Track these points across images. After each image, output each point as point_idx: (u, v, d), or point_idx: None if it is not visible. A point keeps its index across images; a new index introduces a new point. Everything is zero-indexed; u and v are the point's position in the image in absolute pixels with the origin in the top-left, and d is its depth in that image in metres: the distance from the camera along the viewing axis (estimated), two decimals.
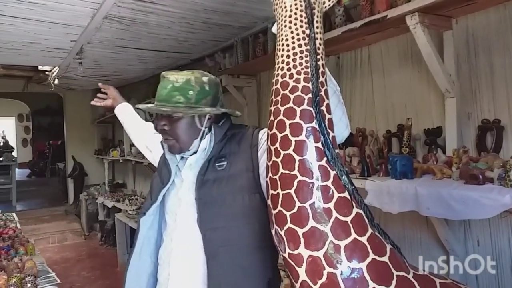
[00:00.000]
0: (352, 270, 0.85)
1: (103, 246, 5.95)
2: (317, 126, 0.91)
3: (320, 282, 0.86)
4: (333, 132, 0.95)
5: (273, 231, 0.95)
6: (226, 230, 1.25)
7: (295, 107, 0.93)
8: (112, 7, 2.49)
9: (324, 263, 0.86)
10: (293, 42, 0.96)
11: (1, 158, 9.16)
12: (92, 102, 1.78)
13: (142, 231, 1.39)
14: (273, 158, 0.94)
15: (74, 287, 4.40)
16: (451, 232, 1.84)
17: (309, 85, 0.93)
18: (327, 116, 0.95)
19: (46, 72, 5.06)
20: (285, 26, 0.98)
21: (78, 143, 7.45)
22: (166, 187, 1.37)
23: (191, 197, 1.31)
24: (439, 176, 1.67)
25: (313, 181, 0.89)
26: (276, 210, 0.92)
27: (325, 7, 1.03)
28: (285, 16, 0.98)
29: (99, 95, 1.80)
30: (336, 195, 0.89)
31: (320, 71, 0.95)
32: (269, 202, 0.96)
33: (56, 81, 4.78)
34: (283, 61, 0.97)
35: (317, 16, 0.99)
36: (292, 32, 0.97)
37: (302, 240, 0.88)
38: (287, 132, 0.92)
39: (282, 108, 0.94)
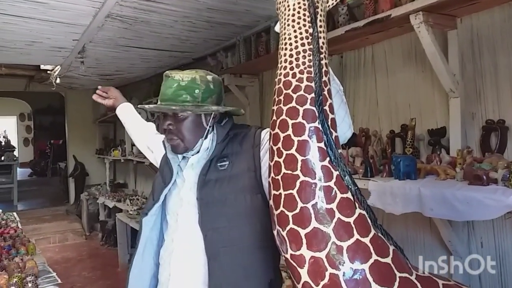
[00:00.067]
0: (354, 271, 0.85)
1: (104, 246, 5.96)
2: (320, 126, 0.91)
3: (322, 283, 0.86)
4: (336, 132, 0.94)
5: (275, 232, 0.95)
6: (228, 230, 1.25)
7: (298, 106, 0.92)
8: (114, 6, 2.49)
9: (326, 264, 0.86)
10: (296, 41, 0.96)
11: (3, 158, 9.17)
12: (94, 97, 1.77)
13: (144, 232, 1.38)
14: (276, 158, 0.94)
15: (75, 287, 4.40)
16: (455, 233, 1.83)
17: (312, 84, 0.93)
18: (330, 115, 0.94)
19: (48, 71, 5.07)
20: (288, 25, 0.98)
21: (80, 142, 7.46)
22: (168, 187, 1.37)
23: (192, 197, 1.30)
24: (442, 176, 1.65)
25: (315, 181, 0.89)
26: (278, 211, 0.92)
27: (329, 6, 1.03)
28: (288, 15, 0.98)
29: (98, 91, 1.77)
30: (339, 195, 0.89)
31: (323, 70, 0.95)
32: (271, 202, 0.95)
33: (58, 80, 4.79)
34: (286, 60, 0.96)
35: (321, 15, 0.98)
36: (295, 31, 0.96)
37: (304, 241, 0.88)
38: (290, 132, 0.92)
39: (284, 108, 0.93)
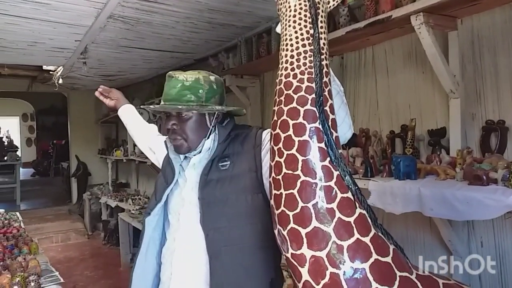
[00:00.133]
0: (355, 270, 0.85)
1: (106, 246, 5.97)
2: (320, 126, 0.91)
3: (323, 282, 0.86)
4: (336, 132, 0.95)
5: (276, 231, 0.95)
6: (229, 230, 1.25)
7: (298, 107, 0.93)
8: (116, 6, 2.51)
9: (327, 263, 0.86)
10: (297, 42, 0.96)
11: (6, 158, 9.20)
12: (96, 93, 1.78)
13: (147, 232, 1.39)
14: (276, 158, 0.94)
15: (78, 287, 4.41)
16: (455, 233, 1.83)
17: (313, 85, 0.93)
18: (331, 116, 0.95)
19: (51, 72, 5.09)
20: (289, 26, 0.98)
21: (82, 143, 7.47)
22: (170, 187, 1.37)
23: (194, 196, 1.31)
24: (442, 176, 1.66)
25: (316, 181, 0.89)
26: (279, 210, 0.92)
27: (330, 7, 1.03)
28: (289, 16, 0.98)
29: (100, 90, 1.78)
30: (339, 195, 0.89)
31: (324, 71, 0.95)
32: (272, 202, 0.96)
33: (61, 81, 4.81)
34: (287, 61, 0.97)
35: (321, 16, 0.99)
36: (296, 32, 0.97)
37: (305, 240, 0.88)
38: (291, 132, 0.92)
39: (285, 108, 0.94)
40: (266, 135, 1.28)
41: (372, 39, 2.21)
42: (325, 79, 0.95)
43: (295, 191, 0.90)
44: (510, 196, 1.33)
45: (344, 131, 1.08)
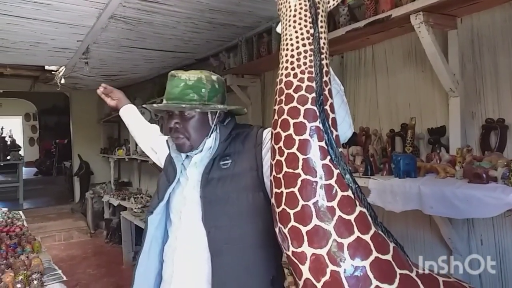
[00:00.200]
0: (355, 268, 0.86)
1: (109, 244, 5.99)
2: (320, 125, 0.92)
3: (323, 280, 0.86)
4: (336, 131, 0.95)
5: (276, 229, 0.96)
6: (230, 228, 1.26)
7: (299, 106, 0.93)
8: (117, 7, 2.51)
9: (327, 261, 0.86)
10: (297, 42, 0.97)
11: (9, 157, 9.21)
12: (98, 92, 1.78)
13: (150, 230, 1.40)
14: (277, 157, 0.95)
15: (80, 285, 4.43)
16: (455, 231, 1.84)
17: (313, 84, 0.94)
18: (331, 115, 0.95)
19: (53, 72, 5.10)
20: (290, 25, 0.98)
21: (84, 142, 7.49)
22: (172, 186, 1.38)
23: (196, 195, 1.32)
24: (442, 175, 1.67)
25: (316, 179, 0.89)
26: (280, 209, 0.93)
27: (330, 6, 1.04)
28: (290, 16, 0.99)
29: (102, 89, 1.78)
30: (340, 193, 0.89)
31: (324, 70, 0.96)
32: (273, 200, 0.96)
33: (63, 81, 4.82)
34: (287, 61, 0.97)
35: (322, 16, 0.99)
36: (296, 32, 0.97)
37: (305, 238, 0.88)
38: (291, 131, 0.93)
39: (286, 107, 0.95)
40: (266, 134, 1.29)
41: (372, 38, 2.22)
42: (325, 78, 0.96)
43: (295, 190, 0.90)
44: (510, 194, 1.34)
45: (345, 130, 1.09)
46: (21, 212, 4.08)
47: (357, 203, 0.90)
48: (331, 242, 0.87)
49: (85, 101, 7.08)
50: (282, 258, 1.31)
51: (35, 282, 2.02)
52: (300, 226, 0.89)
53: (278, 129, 0.95)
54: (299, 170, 0.91)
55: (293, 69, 0.96)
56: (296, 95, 0.94)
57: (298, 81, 0.95)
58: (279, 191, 0.94)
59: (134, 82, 5.59)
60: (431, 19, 1.72)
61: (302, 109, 0.93)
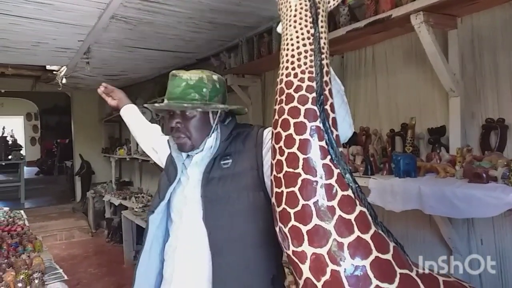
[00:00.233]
0: (355, 267, 0.86)
1: (110, 243, 5.99)
2: (321, 125, 0.92)
3: (323, 279, 0.87)
4: (337, 130, 0.95)
5: (277, 229, 0.96)
6: (231, 227, 1.27)
7: (299, 106, 0.93)
8: (119, 7, 2.52)
9: (327, 260, 0.86)
10: (297, 42, 0.97)
11: (10, 157, 9.23)
12: (99, 91, 1.78)
13: (151, 230, 1.40)
14: (278, 157, 0.95)
15: (81, 284, 4.44)
16: (455, 231, 1.84)
17: (314, 84, 0.94)
18: (331, 115, 0.95)
19: (54, 72, 5.11)
20: (290, 25, 0.99)
21: (86, 141, 7.50)
22: (173, 185, 1.39)
23: (196, 194, 1.32)
24: (442, 174, 1.67)
25: (317, 179, 0.90)
26: (280, 208, 0.93)
27: (330, 6, 1.04)
28: (290, 16, 0.99)
29: (102, 89, 1.77)
30: (340, 193, 0.89)
31: (324, 70, 0.96)
32: (273, 200, 0.97)
33: (64, 81, 4.83)
34: (287, 61, 0.97)
35: (322, 16, 0.99)
36: (297, 32, 0.97)
37: (306, 237, 0.88)
38: (292, 130, 0.93)
39: (286, 107, 0.95)
40: (267, 133, 1.30)
41: (372, 38, 2.22)
42: (325, 78, 0.96)
43: (296, 189, 0.91)
44: (510, 194, 1.34)
45: (345, 130, 1.09)
46: (22, 212, 4.10)
47: (357, 202, 0.90)
48: (331, 242, 0.87)
49: (86, 101, 7.09)
50: (282, 258, 1.32)
51: (36, 281, 2.02)
52: (301, 226, 0.89)
53: (279, 129, 0.96)
54: (300, 170, 0.91)
55: (293, 69, 0.96)
56: (296, 95, 0.94)
57: (298, 81, 0.95)
58: (279, 190, 0.94)
59: (135, 82, 5.60)
60: (431, 19, 1.72)
61: (302, 108, 0.93)
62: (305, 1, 0.98)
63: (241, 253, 1.26)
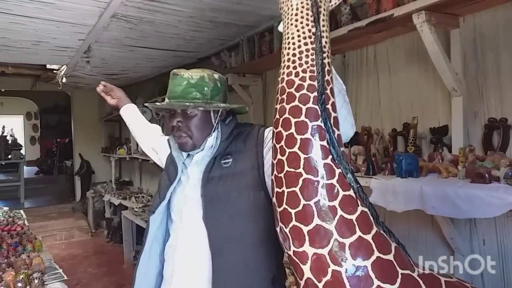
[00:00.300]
0: (357, 268, 0.85)
1: (110, 243, 5.99)
2: (322, 124, 0.91)
3: (324, 279, 0.86)
4: (338, 130, 0.95)
5: (278, 229, 0.95)
6: (231, 226, 1.26)
7: (300, 105, 0.93)
8: (119, 6, 2.51)
9: (329, 260, 0.86)
10: (299, 41, 0.96)
11: (10, 156, 9.24)
12: (98, 90, 1.77)
13: (151, 230, 1.40)
14: (279, 156, 0.94)
15: (81, 284, 4.44)
16: (457, 231, 1.83)
17: (315, 83, 0.93)
18: (333, 114, 0.95)
19: (54, 71, 5.11)
20: (291, 24, 0.98)
21: (86, 141, 7.50)
22: (173, 185, 1.38)
23: (196, 194, 1.32)
24: (444, 174, 1.66)
25: (318, 179, 0.89)
26: (281, 208, 0.93)
27: (331, 5, 1.03)
28: (291, 15, 0.98)
29: (101, 87, 1.75)
30: (341, 193, 0.89)
31: (326, 69, 0.95)
32: (274, 200, 0.96)
33: (64, 80, 4.83)
34: (289, 60, 0.97)
35: (323, 15, 0.98)
36: (298, 31, 0.97)
37: (307, 237, 0.88)
38: (293, 130, 0.92)
39: (287, 106, 0.94)
40: (268, 133, 1.29)
41: (374, 37, 2.21)
42: (327, 77, 0.95)
43: (297, 189, 0.90)
44: None
45: (347, 129, 1.09)
46: (22, 211, 4.10)
47: (359, 202, 0.90)
48: (333, 242, 0.86)
49: (86, 100, 7.09)
50: (283, 258, 1.31)
51: (36, 281, 2.02)
52: (302, 226, 0.89)
53: (280, 128, 0.95)
54: (301, 170, 0.90)
55: (295, 68, 0.95)
56: (297, 94, 0.94)
57: (299, 80, 0.94)
58: (280, 190, 0.93)
59: (136, 81, 5.60)
60: (433, 18, 1.71)
61: (303, 108, 0.92)
62: (307, 0, 0.97)
63: (241, 253, 1.26)
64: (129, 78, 5.32)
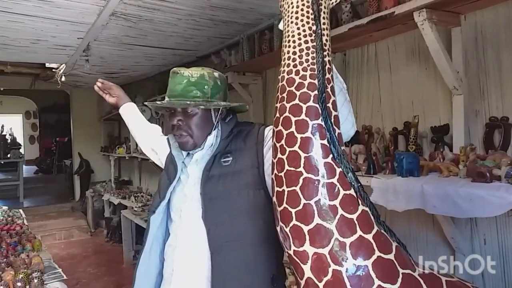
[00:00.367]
0: (357, 267, 0.85)
1: (109, 243, 5.99)
2: (323, 123, 0.91)
3: (325, 279, 0.86)
4: (339, 129, 0.94)
5: (278, 228, 0.95)
6: (231, 225, 1.26)
7: (301, 104, 0.92)
8: (118, 4, 2.51)
9: (329, 260, 0.86)
10: (299, 39, 0.96)
11: (9, 155, 9.23)
12: (96, 88, 1.75)
13: (152, 230, 1.39)
14: (279, 155, 0.94)
15: (80, 283, 4.43)
16: (458, 230, 1.83)
17: (316, 81, 0.93)
18: (333, 113, 0.94)
19: (53, 70, 5.10)
20: (292, 22, 0.98)
21: (85, 140, 7.50)
22: (172, 184, 1.38)
23: (196, 192, 1.31)
24: (445, 174, 1.66)
25: (318, 178, 0.89)
26: (282, 207, 0.92)
27: (332, 3, 1.03)
28: (292, 12, 0.98)
29: (98, 83, 1.73)
30: (342, 192, 0.89)
31: (326, 67, 0.95)
32: (274, 199, 0.96)
33: (63, 79, 4.82)
34: (289, 58, 0.96)
35: (324, 12, 0.98)
36: (298, 29, 0.96)
37: (307, 237, 0.88)
38: (293, 129, 0.92)
39: (288, 105, 0.94)
40: (268, 131, 1.28)
41: (375, 35, 2.20)
42: (327, 75, 0.95)
43: (297, 188, 0.90)
44: None
45: (347, 128, 1.08)
46: (21, 211, 4.10)
47: (360, 202, 0.90)
48: (333, 241, 0.86)
49: (85, 99, 7.08)
50: (283, 257, 1.30)
51: (36, 280, 2.02)
52: (302, 225, 0.89)
53: (280, 127, 0.95)
54: (301, 169, 0.90)
55: (295, 66, 0.95)
56: (298, 93, 0.93)
57: (300, 78, 0.94)
58: (280, 189, 0.93)
59: (135, 80, 5.59)
60: (435, 16, 1.70)
61: (304, 106, 0.92)
62: None
63: (240, 252, 1.25)
64: (128, 77, 5.31)
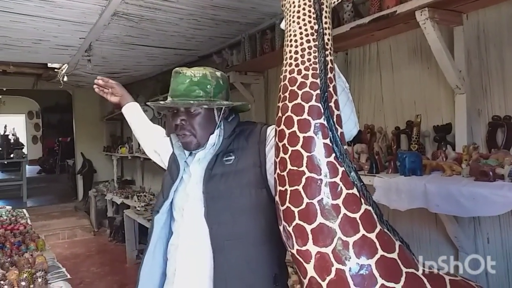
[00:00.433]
0: (360, 266, 0.85)
1: (112, 242, 6.01)
2: (325, 122, 0.91)
3: (328, 278, 0.86)
4: (341, 128, 0.94)
5: (281, 227, 0.95)
6: (233, 224, 1.26)
7: (303, 103, 0.92)
8: (120, 4, 2.51)
9: (332, 259, 0.86)
10: (301, 38, 0.96)
11: (12, 155, 9.27)
12: (96, 89, 1.75)
13: (156, 230, 1.39)
14: (281, 155, 0.94)
15: (84, 283, 4.45)
16: (461, 229, 1.82)
17: (318, 81, 0.93)
18: (336, 112, 0.94)
19: (55, 70, 5.11)
20: (293, 21, 0.97)
21: (87, 140, 7.51)
22: (175, 184, 1.38)
23: (198, 191, 1.31)
24: (448, 173, 1.65)
25: (321, 177, 0.89)
26: (284, 207, 0.92)
27: (334, 2, 1.03)
28: (293, 12, 0.98)
29: (97, 82, 1.72)
30: (345, 191, 0.89)
31: (328, 67, 0.95)
32: (277, 198, 0.96)
33: (65, 79, 4.82)
34: (291, 57, 0.96)
35: (326, 12, 0.98)
36: (300, 28, 0.96)
37: (310, 236, 0.88)
38: (295, 128, 0.92)
39: (290, 104, 0.94)
40: (270, 131, 1.29)
41: (377, 34, 2.20)
42: (329, 74, 0.95)
43: (300, 188, 0.90)
44: None
45: (350, 128, 1.08)
46: (24, 210, 4.12)
47: (362, 201, 0.89)
48: (336, 240, 0.86)
49: (87, 99, 7.09)
50: (285, 256, 1.30)
51: (39, 280, 2.02)
52: (305, 224, 0.88)
53: (282, 126, 0.94)
54: (304, 168, 0.90)
55: (297, 65, 0.95)
56: (300, 92, 0.93)
57: (302, 77, 0.94)
58: (283, 189, 0.93)
59: (137, 80, 5.59)
60: (437, 15, 1.70)
61: (306, 106, 0.92)
62: None
63: (243, 251, 1.25)
64: (130, 77, 5.31)
